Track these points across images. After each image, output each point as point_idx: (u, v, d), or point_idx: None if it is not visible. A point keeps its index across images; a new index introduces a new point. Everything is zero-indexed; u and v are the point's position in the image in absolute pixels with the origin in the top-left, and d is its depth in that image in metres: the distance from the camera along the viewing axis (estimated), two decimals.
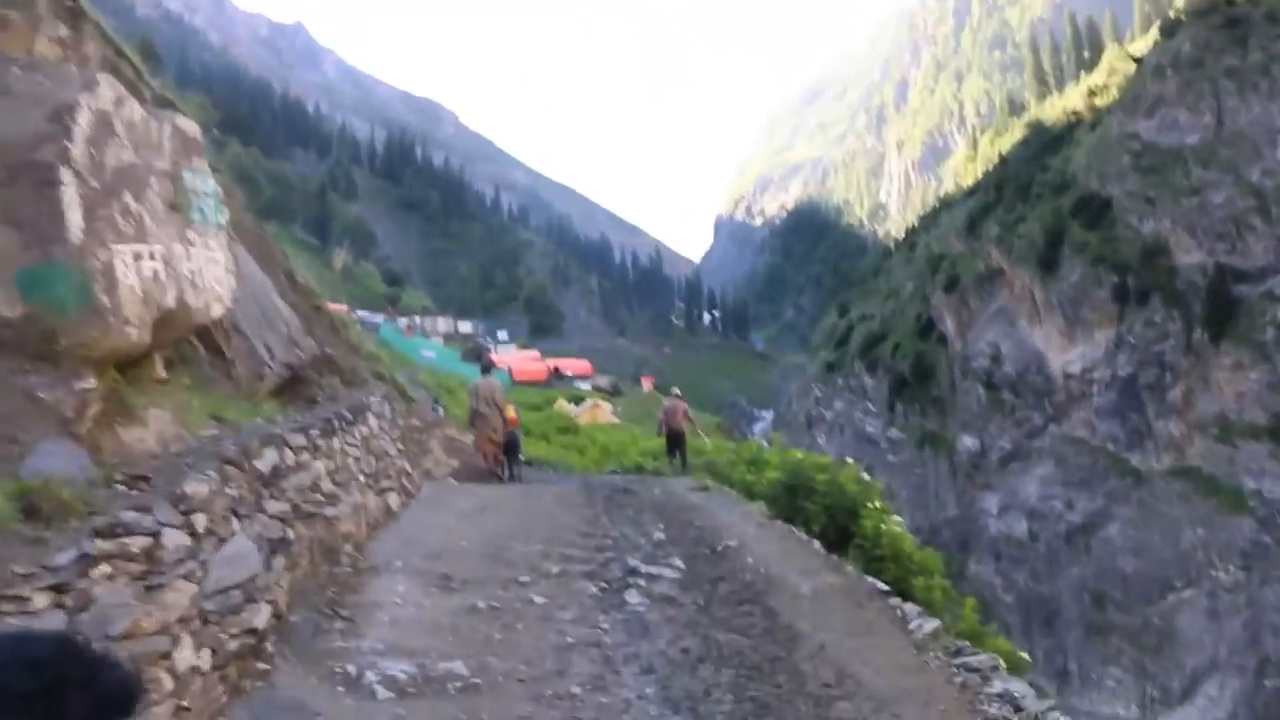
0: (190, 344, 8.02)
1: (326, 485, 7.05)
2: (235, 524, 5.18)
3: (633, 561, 8.67)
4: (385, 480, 9.39)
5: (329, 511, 6.98)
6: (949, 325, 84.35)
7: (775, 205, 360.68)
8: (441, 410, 29.12)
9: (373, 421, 9.42)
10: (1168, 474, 61.07)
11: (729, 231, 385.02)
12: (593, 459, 31.71)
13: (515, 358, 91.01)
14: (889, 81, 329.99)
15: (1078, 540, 63.59)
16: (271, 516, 5.63)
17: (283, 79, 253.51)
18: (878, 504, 12.61)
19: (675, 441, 20.18)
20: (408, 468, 10.95)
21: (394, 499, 9.73)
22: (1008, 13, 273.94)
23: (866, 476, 13.57)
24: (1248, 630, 53.55)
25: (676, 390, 22.97)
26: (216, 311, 7.69)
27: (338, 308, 73.99)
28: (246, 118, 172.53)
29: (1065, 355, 70.32)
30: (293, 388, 9.89)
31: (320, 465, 6.95)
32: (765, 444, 16.83)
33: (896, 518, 12.53)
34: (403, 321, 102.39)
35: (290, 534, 5.93)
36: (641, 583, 7.81)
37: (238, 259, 8.84)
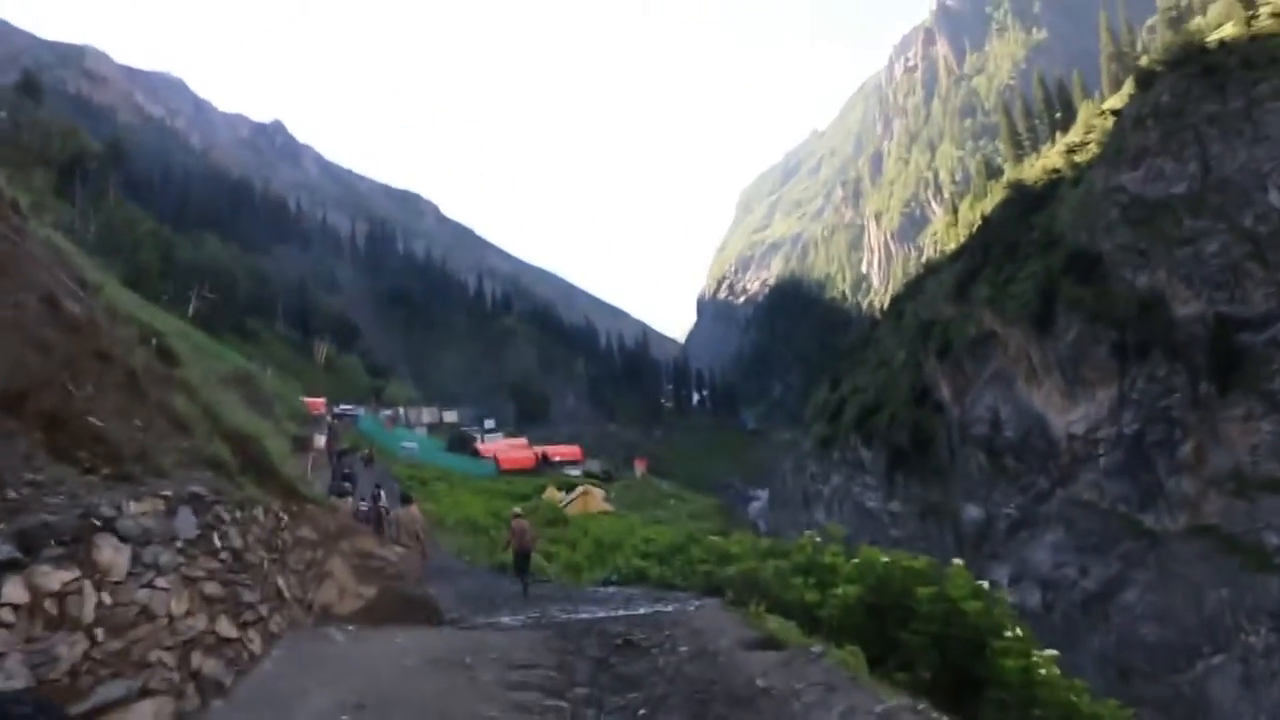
0: None
1: None
2: None
3: None
4: (108, 684, 5.12)
5: None
6: (945, 392, 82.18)
7: (757, 283, 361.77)
8: (382, 503, 26.61)
9: (111, 556, 5.31)
10: (1185, 534, 58.38)
11: (712, 311, 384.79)
12: (585, 554, 29.05)
13: (502, 445, 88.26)
14: (863, 155, 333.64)
15: (1095, 609, 60.61)
16: None
17: (263, 177, 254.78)
18: (1018, 631, 8.00)
19: (524, 560, 19.93)
20: (226, 629, 6.91)
21: None
22: (975, 81, 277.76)
23: (985, 586, 8.71)
24: None
25: (518, 510, 23.25)
26: None
27: (316, 401, 71.63)
28: (227, 216, 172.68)
29: (1067, 416, 68.05)
30: None
31: None
32: (819, 539, 11.69)
33: (1050, 651, 8.08)
34: (385, 413, 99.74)
35: None
36: None
37: None
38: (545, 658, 8.58)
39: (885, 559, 9.46)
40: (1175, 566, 57.47)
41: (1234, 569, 54.61)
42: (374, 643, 9.23)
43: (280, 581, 8.59)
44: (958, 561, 9.01)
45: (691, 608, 11.92)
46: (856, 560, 9.96)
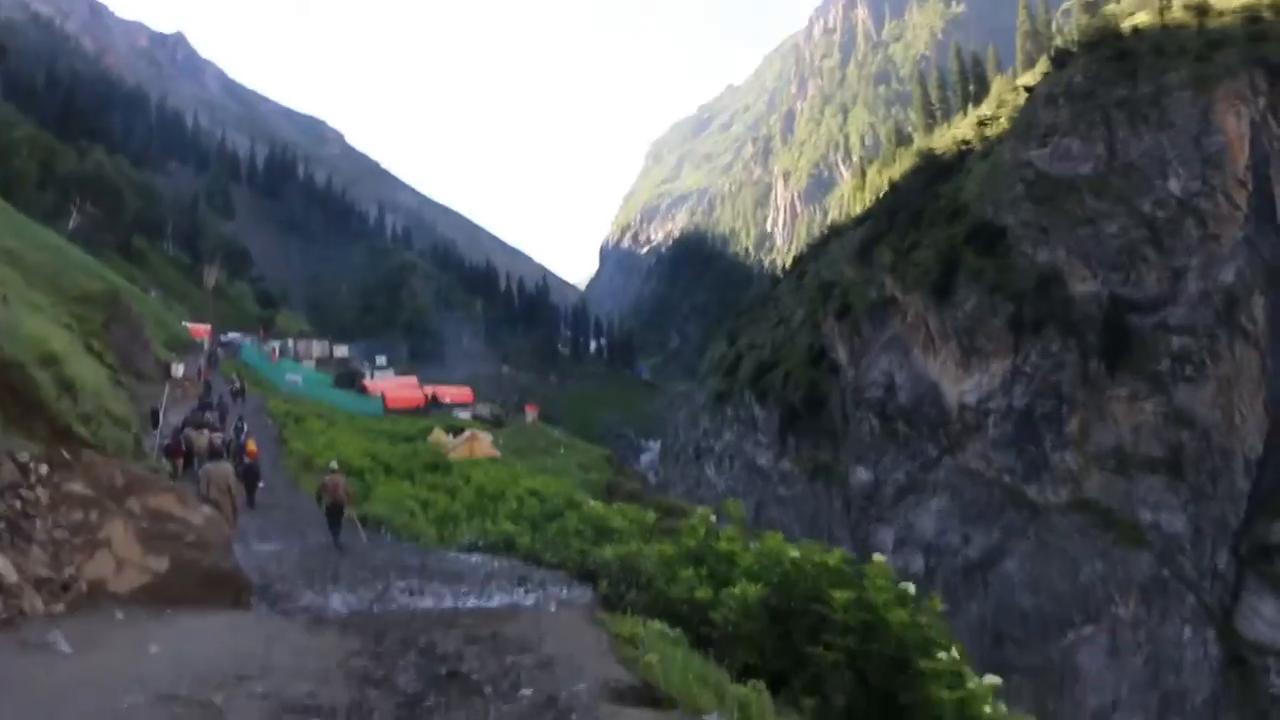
0: None
1: None
2: None
3: None
4: None
5: None
6: (841, 354, 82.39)
7: (662, 233, 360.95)
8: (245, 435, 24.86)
9: None
10: (1065, 507, 59.57)
11: (615, 259, 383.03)
12: (465, 503, 27.56)
13: (390, 384, 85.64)
14: (775, 113, 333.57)
15: (975, 576, 61.65)
16: None
17: (161, 90, 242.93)
18: (954, 651, 6.41)
19: (336, 515, 19.80)
20: None
21: None
22: (891, 49, 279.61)
23: (910, 588, 6.98)
24: (1149, 667, 52.13)
25: (335, 465, 22.91)
26: None
27: (200, 327, 68.42)
28: (118, 127, 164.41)
29: (960, 385, 68.70)
30: None
31: None
32: (714, 518, 9.35)
33: (991, 679, 6.36)
34: (272, 344, 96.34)
35: None
36: None
37: None
38: (337, 692, 6.11)
39: (793, 552, 7.61)
40: (1053, 538, 58.67)
41: (1108, 543, 55.99)
42: (115, 651, 6.85)
43: (0, 561, 6.55)
44: (879, 557, 7.28)
45: (554, 606, 9.86)
46: (758, 548, 8.11)
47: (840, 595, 6.80)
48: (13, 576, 6.81)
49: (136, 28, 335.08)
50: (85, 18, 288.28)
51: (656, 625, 7.77)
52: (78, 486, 7.94)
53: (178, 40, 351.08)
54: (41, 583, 7.16)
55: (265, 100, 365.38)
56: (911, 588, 6.90)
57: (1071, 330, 63.22)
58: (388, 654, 7.31)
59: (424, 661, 7.06)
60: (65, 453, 8.02)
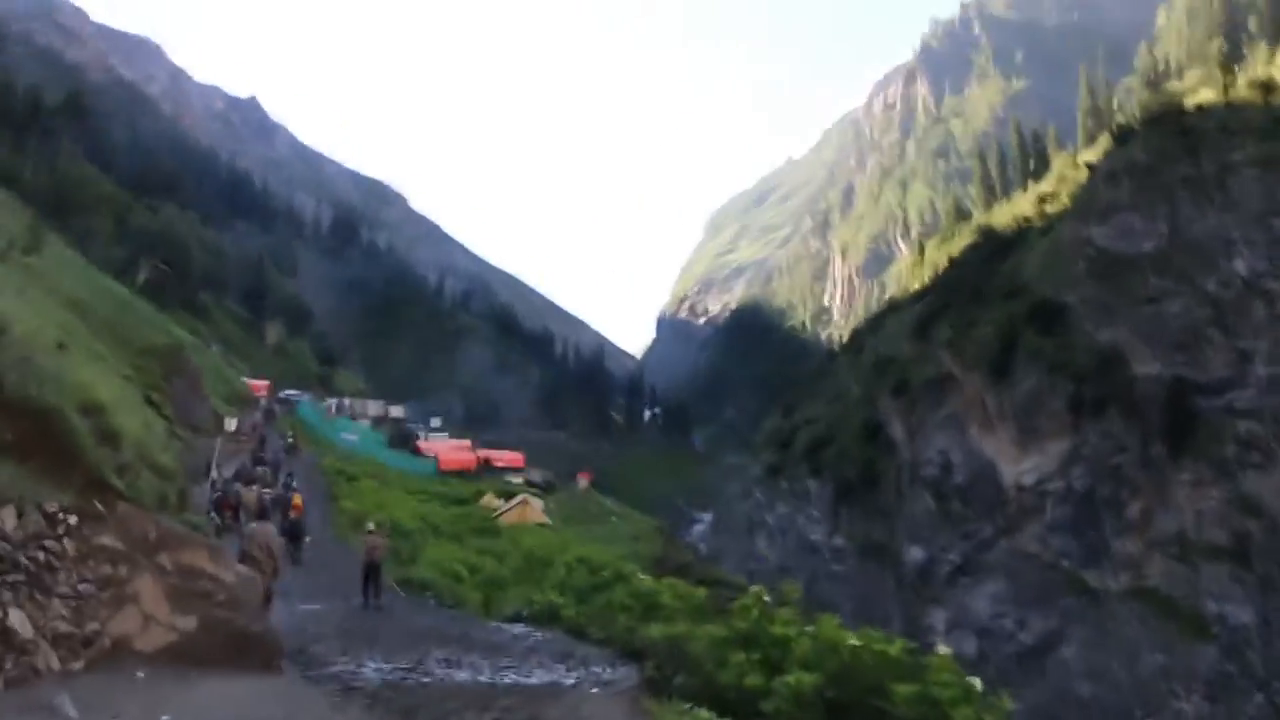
0: None
1: None
2: None
3: None
4: None
5: None
6: (897, 430, 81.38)
7: (718, 305, 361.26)
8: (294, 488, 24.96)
9: None
10: (1125, 594, 57.85)
11: (671, 329, 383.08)
12: (512, 568, 27.40)
13: (443, 445, 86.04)
14: (835, 187, 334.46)
15: (1031, 662, 59.86)
16: None
17: (232, 151, 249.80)
18: None
19: (371, 574, 20.66)
20: None
21: None
22: (951, 125, 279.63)
23: (977, 684, 6.69)
24: None
25: (372, 525, 23.56)
26: None
27: (258, 383, 69.61)
28: (191, 186, 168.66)
29: (1018, 466, 67.42)
30: None
31: None
32: (767, 598, 8.82)
33: None
34: (329, 401, 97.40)
35: None
36: None
37: None
38: None
39: (852, 640, 7.23)
40: (1114, 626, 56.91)
41: (1172, 634, 54.15)
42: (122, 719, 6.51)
43: (15, 615, 6.28)
44: (944, 649, 7.02)
45: (596, 688, 9.50)
46: (812, 632, 7.71)
47: (902, 689, 6.41)
48: (27, 632, 6.54)
49: (213, 91, 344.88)
50: (166, 83, 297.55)
51: (704, 714, 7.53)
52: (108, 539, 7.73)
53: (251, 104, 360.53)
54: (61, 638, 6.93)
55: (331, 162, 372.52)
56: (978, 683, 6.52)
57: (1133, 412, 61.86)
58: None
59: None
60: (98, 504, 7.85)
